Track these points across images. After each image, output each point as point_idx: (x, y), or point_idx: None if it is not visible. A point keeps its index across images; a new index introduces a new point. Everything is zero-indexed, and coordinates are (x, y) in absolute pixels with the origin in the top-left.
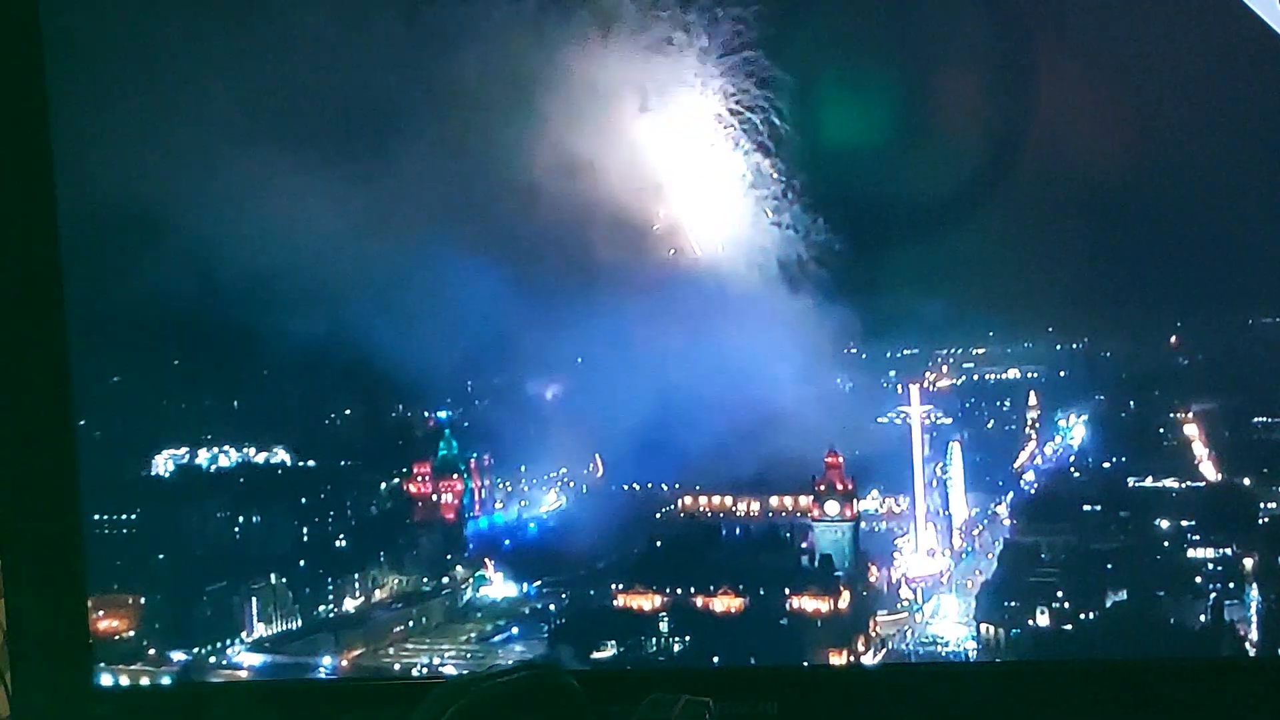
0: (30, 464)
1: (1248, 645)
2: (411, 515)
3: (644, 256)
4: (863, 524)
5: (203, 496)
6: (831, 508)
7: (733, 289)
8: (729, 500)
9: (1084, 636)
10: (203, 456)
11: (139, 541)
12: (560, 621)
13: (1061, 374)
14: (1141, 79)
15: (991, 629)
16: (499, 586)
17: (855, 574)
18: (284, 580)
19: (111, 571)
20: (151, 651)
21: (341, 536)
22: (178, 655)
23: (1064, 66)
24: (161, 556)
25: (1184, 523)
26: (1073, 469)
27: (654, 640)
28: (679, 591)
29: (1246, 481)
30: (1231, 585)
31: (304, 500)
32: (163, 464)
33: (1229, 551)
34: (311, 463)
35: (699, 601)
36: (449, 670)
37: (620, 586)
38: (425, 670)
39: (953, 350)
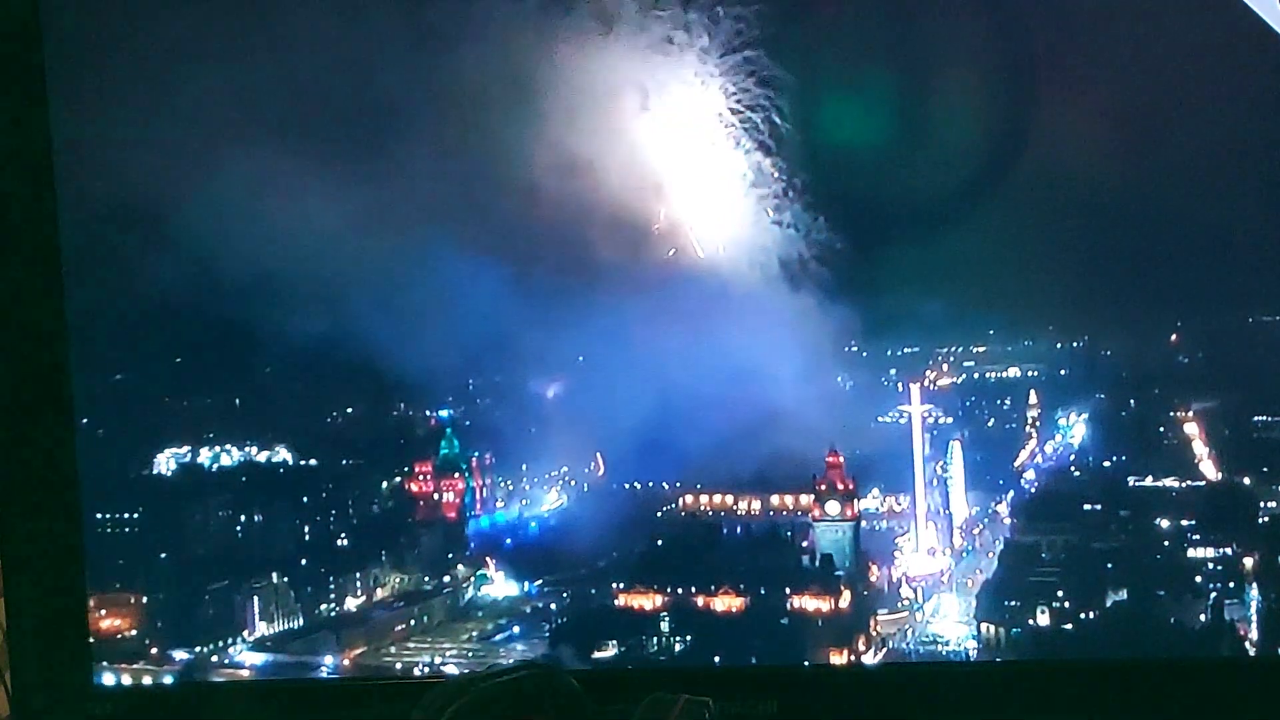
0: (30, 464)
1: (1247, 645)
2: (413, 514)
3: (645, 255)
4: (863, 523)
5: (205, 495)
6: (832, 507)
7: (734, 288)
8: (730, 499)
9: (1084, 636)
10: (205, 455)
11: (140, 540)
12: (561, 620)
13: (1062, 372)
14: (1141, 78)
15: (992, 628)
16: (500, 585)
17: (856, 573)
18: (286, 579)
19: (113, 571)
20: (154, 651)
21: (343, 535)
22: (179, 654)
23: (1064, 66)
24: (164, 555)
25: (1184, 522)
26: (1073, 468)
27: (655, 640)
28: (680, 591)
29: (1247, 481)
30: (1231, 585)
31: (305, 499)
32: (165, 462)
33: (1229, 551)
34: (313, 461)
35: (700, 601)
36: (450, 669)
37: (621, 585)
38: (427, 669)
39: (953, 348)
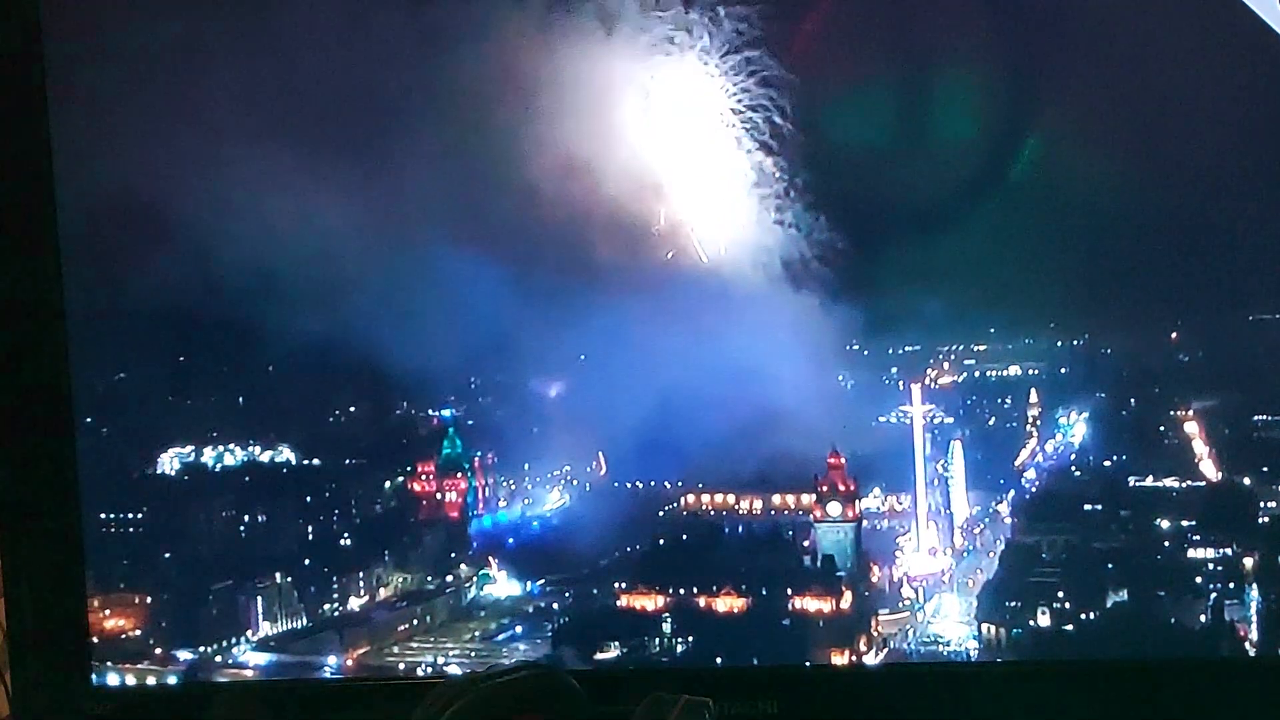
0: (30, 464)
1: (1248, 646)
2: (416, 514)
3: (647, 255)
4: (864, 523)
5: (208, 494)
6: (834, 508)
7: (735, 287)
8: (731, 499)
9: (1085, 636)
10: (208, 455)
11: (144, 540)
12: (563, 620)
13: (1062, 370)
14: (1141, 78)
15: (992, 628)
16: (503, 585)
17: (857, 574)
18: (289, 579)
19: (117, 571)
20: (158, 651)
21: (346, 535)
22: (183, 654)
23: (1064, 65)
24: (167, 555)
25: (1184, 522)
26: (1074, 467)
27: (657, 640)
28: (681, 591)
29: (1247, 481)
30: (1232, 585)
31: (309, 499)
32: (168, 462)
33: (1229, 551)
34: (316, 461)
35: (701, 602)
36: (453, 669)
37: (623, 585)
38: (429, 669)
39: (954, 347)
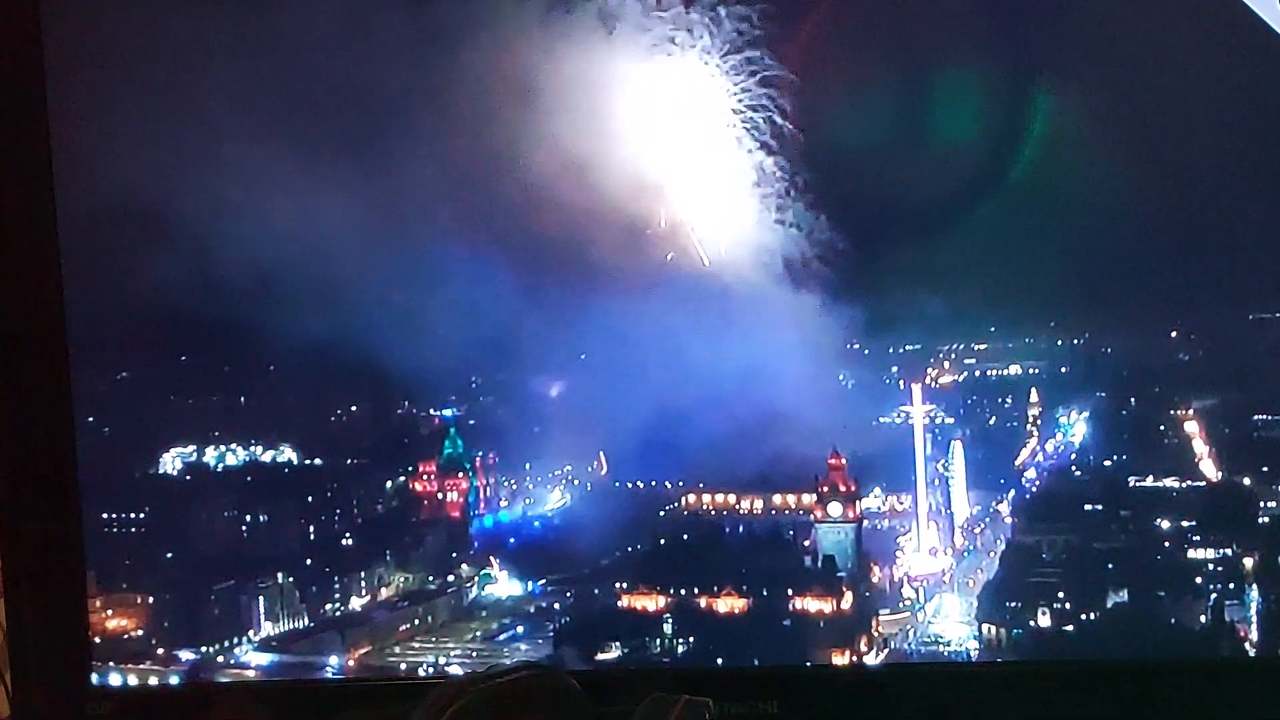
0: (30, 464)
1: (1248, 646)
2: (417, 513)
3: (647, 255)
4: (865, 522)
5: (210, 494)
6: (835, 509)
7: (736, 287)
8: (732, 498)
9: (1085, 636)
10: (210, 454)
11: (146, 540)
12: (565, 620)
13: (1063, 370)
14: (1141, 77)
15: (993, 628)
16: (504, 585)
17: (858, 575)
18: (291, 579)
19: (118, 570)
20: (160, 651)
21: (348, 535)
22: (185, 654)
23: (1065, 65)
24: (169, 555)
25: (1184, 522)
26: (1074, 467)
27: (658, 641)
28: (682, 592)
29: (1247, 481)
30: (1232, 585)
31: (310, 498)
32: (170, 462)
33: (1229, 551)
34: (318, 461)
35: (702, 602)
36: (455, 669)
37: (624, 585)
38: (431, 669)
39: (954, 346)
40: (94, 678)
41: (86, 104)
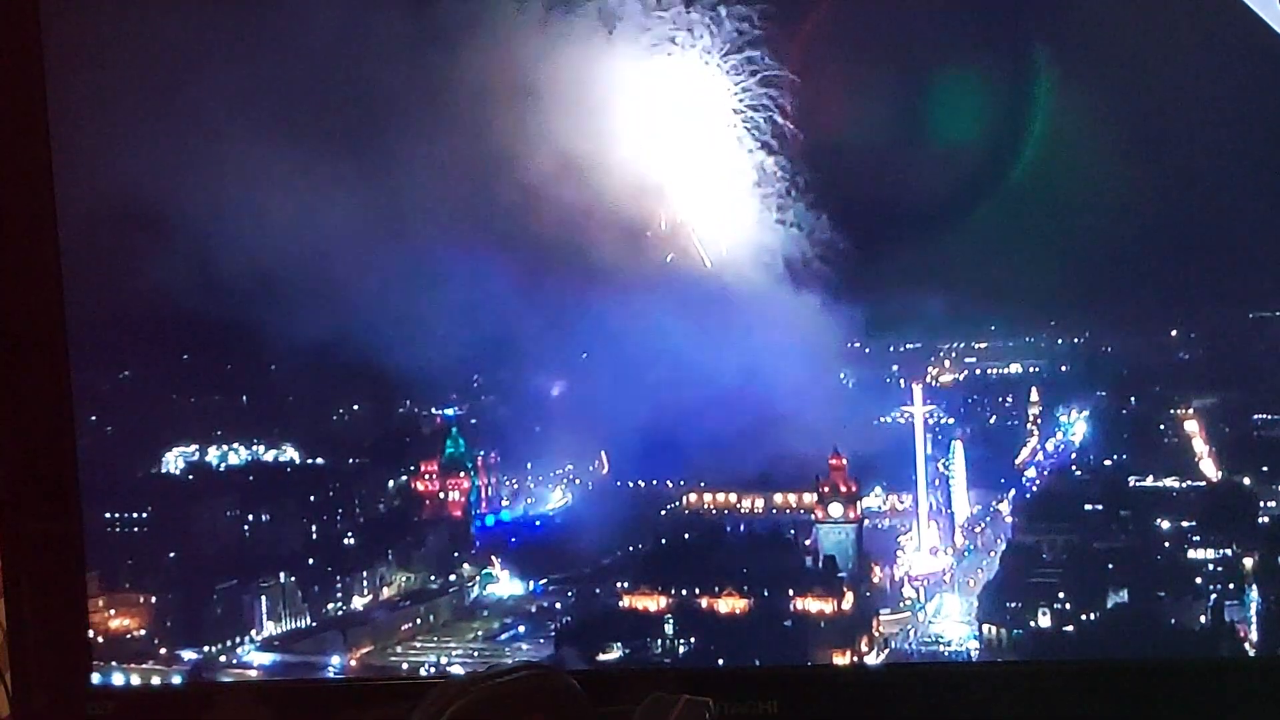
0: (30, 464)
1: (1248, 646)
2: (419, 513)
3: (648, 255)
4: (866, 521)
5: (212, 494)
6: (835, 509)
7: (737, 287)
8: (733, 497)
9: (1085, 636)
10: (212, 454)
11: (147, 539)
12: (566, 620)
13: (1063, 368)
14: (1141, 77)
15: (993, 629)
16: (505, 584)
17: (859, 575)
18: (293, 578)
19: (120, 570)
20: (162, 651)
21: (349, 534)
22: (187, 654)
23: (1065, 65)
24: (171, 555)
25: (1184, 522)
26: (1074, 467)
27: (659, 642)
28: (683, 592)
29: (1247, 481)
30: (1232, 586)
31: (312, 498)
32: (172, 461)
33: (1229, 551)
34: (320, 460)
35: (704, 602)
36: (456, 669)
37: (625, 585)
38: (433, 669)
39: (955, 345)
40: (96, 677)
41: (86, 104)
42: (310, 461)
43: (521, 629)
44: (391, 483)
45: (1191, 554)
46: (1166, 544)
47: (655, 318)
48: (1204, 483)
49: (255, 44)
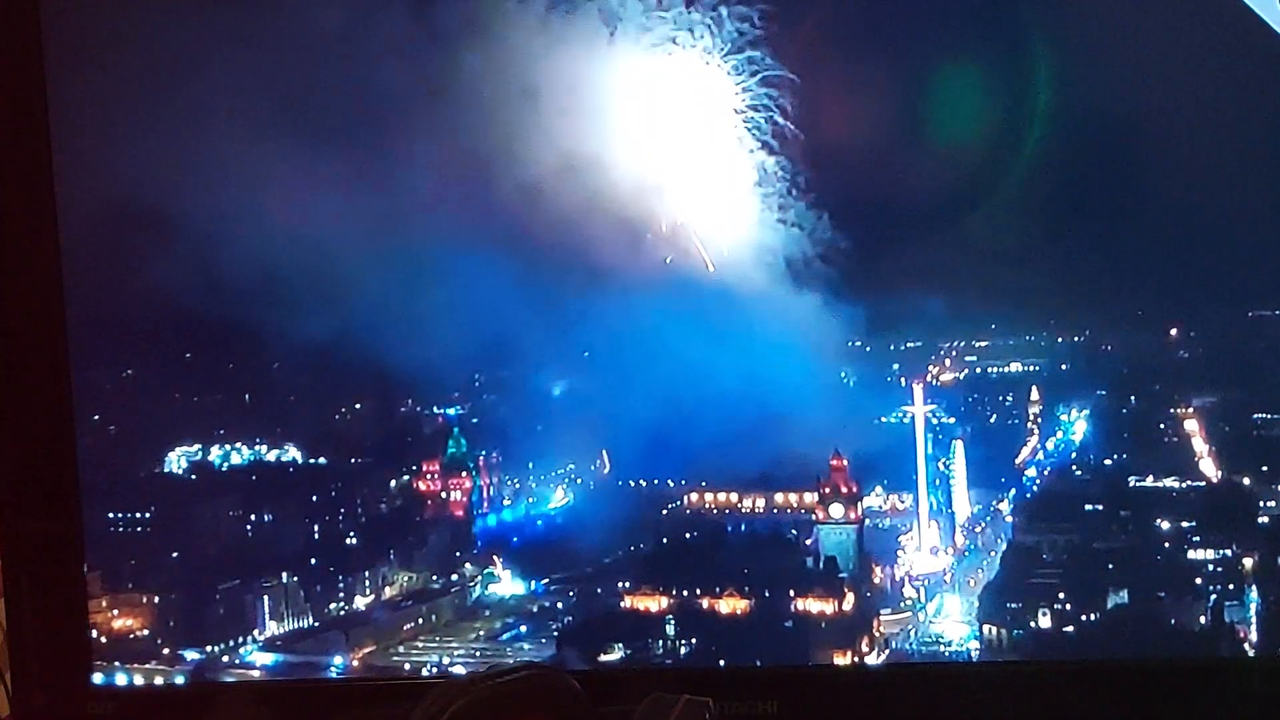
0: (30, 464)
1: (1248, 646)
2: (421, 513)
3: (650, 254)
4: (867, 521)
5: (214, 493)
6: (836, 510)
7: (738, 286)
8: (734, 497)
9: (1085, 636)
10: (214, 453)
11: (150, 539)
12: (568, 620)
13: (1063, 367)
14: (1141, 76)
15: (993, 628)
16: (507, 584)
17: (860, 575)
18: (295, 578)
19: (122, 569)
20: (165, 650)
21: (351, 534)
22: (189, 654)
23: (1065, 64)
24: (174, 555)
25: (1184, 522)
26: (1074, 466)
27: (661, 642)
28: (684, 593)
29: (1247, 481)
30: (1232, 586)
31: (314, 497)
32: (175, 460)
33: (1229, 552)
34: (322, 460)
35: (705, 603)
36: (458, 669)
37: (626, 585)
38: (435, 669)
39: (955, 343)
40: (99, 677)
41: (86, 104)
42: (312, 461)
43: (523, 629)
44: (393, 482)
45: (1191, 554)
46: (1166, 544)
47: (656, 317)
48: (1204, 483)
49: (255, 44)
